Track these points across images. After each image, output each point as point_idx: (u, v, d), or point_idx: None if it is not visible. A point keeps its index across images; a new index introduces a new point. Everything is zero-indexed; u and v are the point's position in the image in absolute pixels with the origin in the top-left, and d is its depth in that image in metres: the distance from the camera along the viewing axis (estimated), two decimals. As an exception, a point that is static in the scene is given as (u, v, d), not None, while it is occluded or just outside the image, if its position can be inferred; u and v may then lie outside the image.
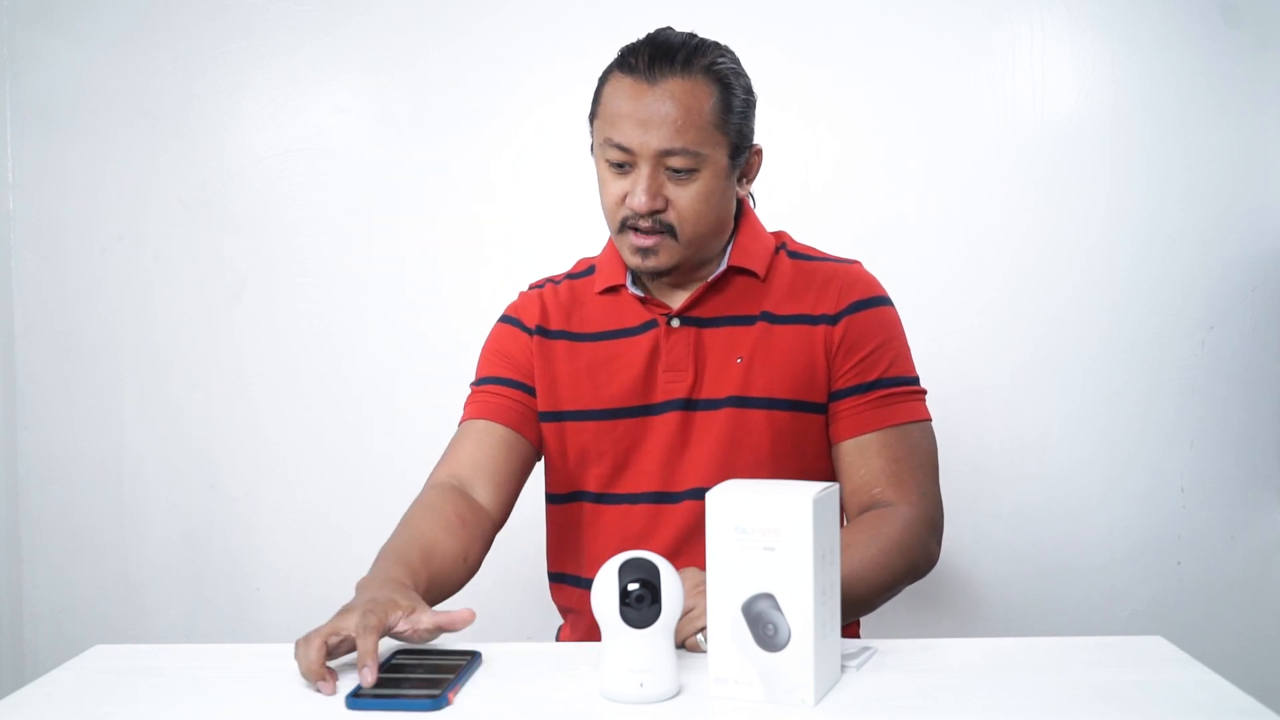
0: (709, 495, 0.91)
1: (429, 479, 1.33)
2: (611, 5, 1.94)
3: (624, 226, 1.24)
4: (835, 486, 0.94)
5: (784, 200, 1.94)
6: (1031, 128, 1.94)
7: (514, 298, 1.42)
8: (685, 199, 1.22)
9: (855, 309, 1.28)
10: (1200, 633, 1.91)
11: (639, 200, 1.20)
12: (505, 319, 1.39)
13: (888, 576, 1.17)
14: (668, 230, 1.22)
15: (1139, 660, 0.99)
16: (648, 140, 1.19)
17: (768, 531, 0.89)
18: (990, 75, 1.94)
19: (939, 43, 1.94)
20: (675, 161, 1.20)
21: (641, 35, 1.26)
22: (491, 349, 1.38)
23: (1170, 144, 1.92)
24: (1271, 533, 1.95)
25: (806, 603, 0.88)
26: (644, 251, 1.23)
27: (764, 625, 0.90)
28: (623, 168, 1.22)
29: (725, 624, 0.91)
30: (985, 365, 1.95)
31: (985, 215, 1.95)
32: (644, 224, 1.22)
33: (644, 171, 1.20)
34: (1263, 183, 1.92)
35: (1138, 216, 1.93)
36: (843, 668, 0.97)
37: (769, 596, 0.89)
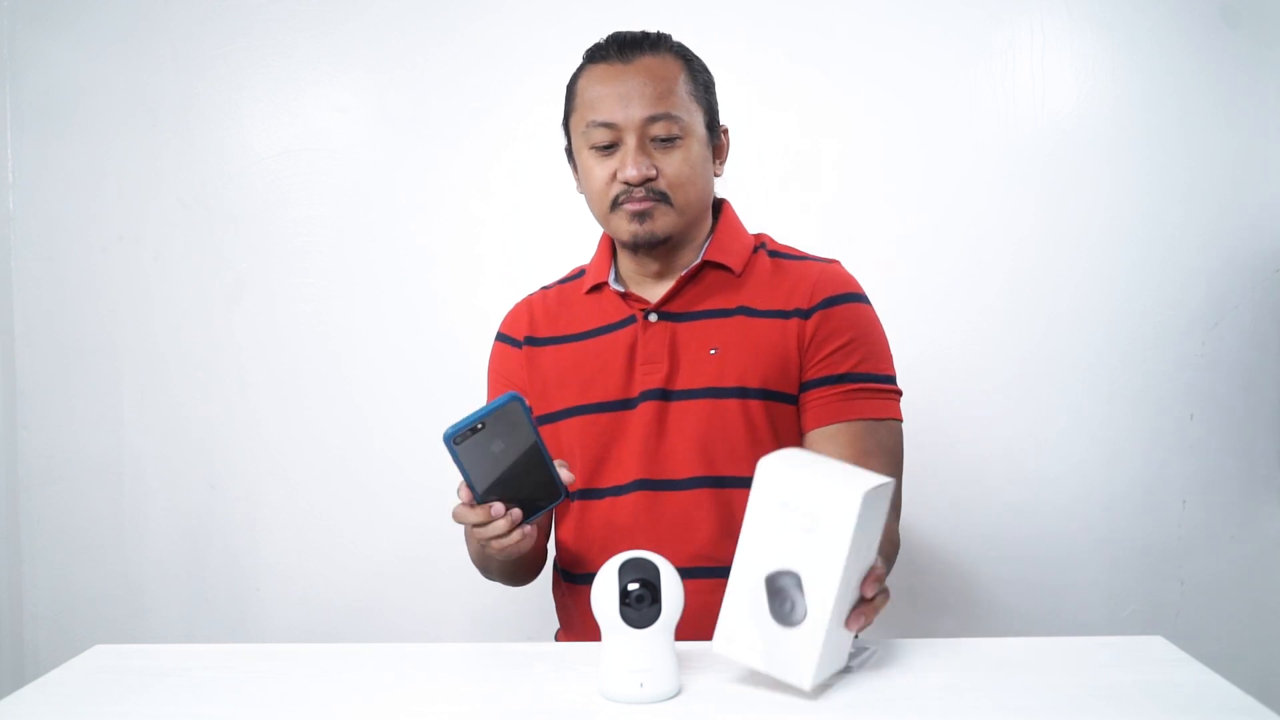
0: (762, 461, 0.91)
1: None
2: (612, 5, 1.93)
3: (615, 204, 1.27)
4: (890, 482, 0.93)
5: (783, 200, 1.95)
6: (1031, 128, 1.94)
7: (512, 299, 1.44)
8: (673, 165, 1.26)
9: (829, 304, 1.29)
10: (1200, 633, 1.91)
11: (629, 171, 1.24)
12: (499, 337, 1.42)
13: (888, 554, 1.20)
14: (661, 198, 1.26)
15: (1139, 660, 0.99)
16: (631, 112, 1.24)
17: (810, 515, 0.89)
18: (990, 75, 1.94)
19: (939, 43, 1.94)
20: (659, 129, 1.25)
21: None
22: (494, 371, 1.42)
23: (1170, 144, 1.92)
24: (1271, 533, 1.95)
25: (830, 592, 0.88)
26: (640, 215, 1.26)
27: (783, 600, 0.90)
28: (607, 149, 1.26)
29: (746, 589, 0.92)
30: (985, 365, 1.95)
31: (985, 215, 1.95)
32: (636, 195, 1.25)
33: (630, 144, 1.25)
34: (1263, 183, 1.92)
35: (1138, 216, 1.93)
36: (847, 668, 0.97)
37: (794, 575, 0.89)
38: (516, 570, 1.33)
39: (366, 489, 2.04)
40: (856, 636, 1.00)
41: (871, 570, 0.95)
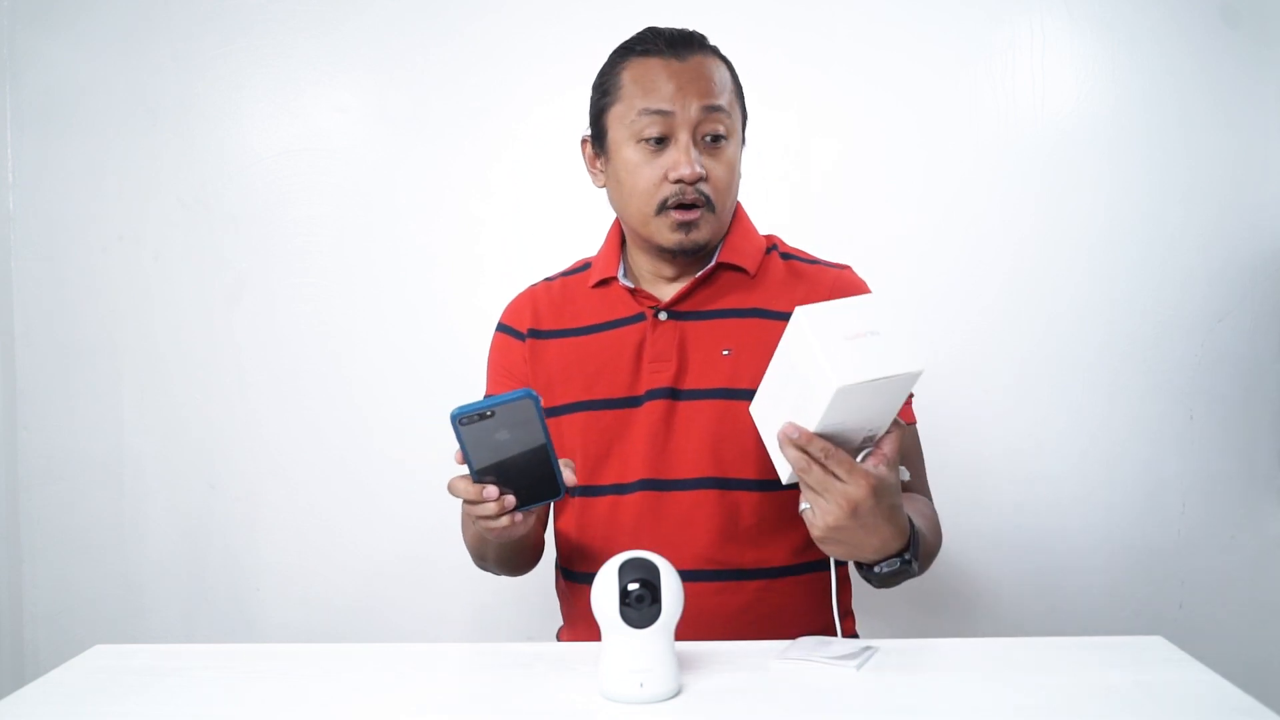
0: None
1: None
2: (611, 5, 1.93)
3: (663, 207, 1.24)
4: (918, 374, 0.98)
5: (783, 200, 1.95)
6: (1031, 128, 1.94)
7: (510, 299, 1.43)
8: (719, 169, 1.25)
9: None
10: (1200, 633, 1.91)
11: (684, 169, 1.22)
12: (501, 327, 1.41)
13: (938, 545, 1.24)
14: (706, 201, 1.25)
15: (1139, 660, 0.99)
16: (688, 104, 1.23)
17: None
18: (990, 75, 1.94)
19: (939, 43, 1.95)
20: (712, 124, 1.24)
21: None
22: (495, 363, 1.41)
23: (1170, 144, 1.92)
24: (1271, 533, 1.95)
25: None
26: (688, 226, 1.25)
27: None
28: (659, 143, 1.24)
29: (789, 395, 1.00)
30: (986, 365, 1.95)
31: (985, 215, 1.95)
32: (689, 195, 1.23)
33: (684, 141, 1.23)
34: (1263, 182, 1.92)
35: (1138, 216, 1.93)
36: (846, 666, 0.97)
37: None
38: (513, 558, 1.32)
39: (366, 489, 2.04)
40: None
41: (865, 463, 1.00)
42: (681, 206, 1.24)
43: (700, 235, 1.25)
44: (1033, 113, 1.94)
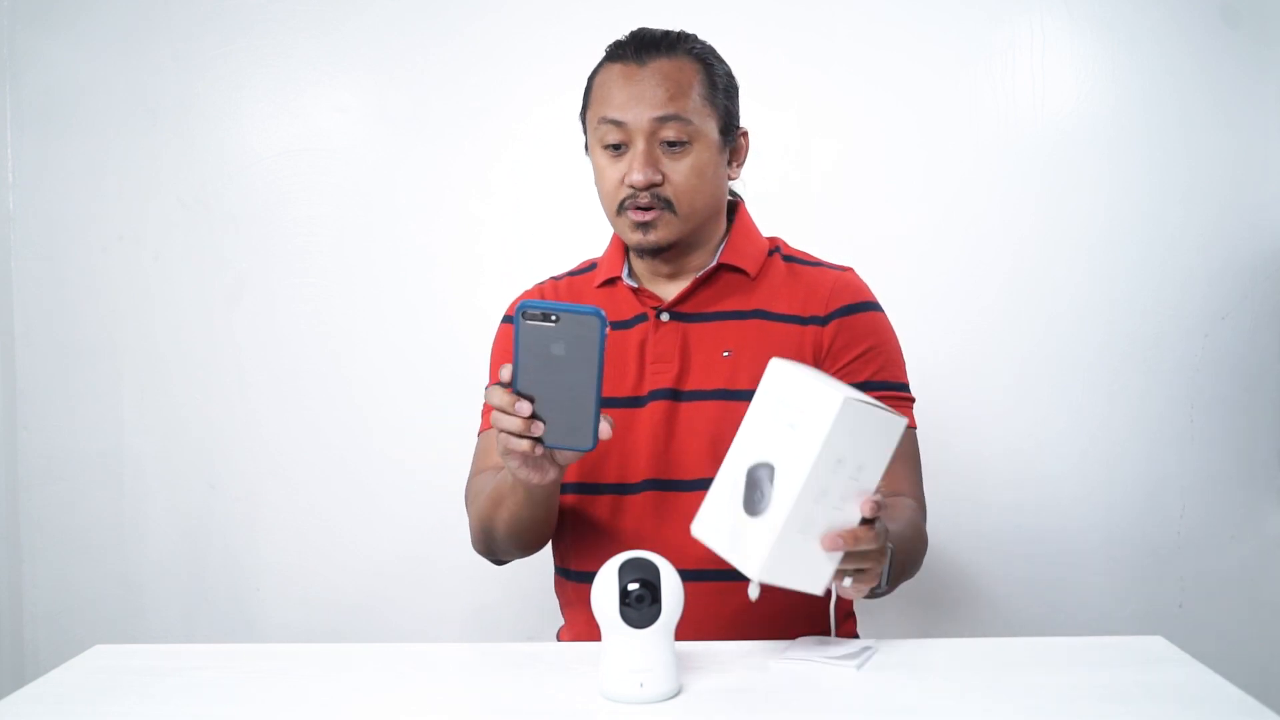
0: (773, 360, 0.96)
1: (470, 482, 1.36)
2: (611, 5, 1.93)
3: (622, 207, 1.27)
4: (896, 421, 0.94)
5: (783, 200, 1.95)
6: (1031, 128, 1.94)
7: (513, 298, 1.44)
8: (680, 173, 1.25)
9: (845, 312, 1.30)
10: (1200, 633, 1.91)
11: (635, 176, 1.24)
12: (506, 319, 1.42)
13: (920, 548, 1.23)
14: (666, 205, 1.26)
15: (1139, 660, 1.00)
16: (641, 112, 1.24)
17: (796, 410, 0.92)
18: (990, 75, 1.94)
19: (939, 43, 1.95)
20: (669, 132, 1.24)
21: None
22: (498, 353, 1.41)
23: (1170, 144, 1.92)
24: (1271, 533, 1.95)
25: (794, 486, 0.90)
26: (644, 226, 1.26)
27: (754, 490, 0.93)
28: (618, 149, 1.26)
29: (730, 478, 0.95)
30: (986, 365, 1.95)
31: (985, 215, 1.95)
32: (643, 199, 1.25)
33: (639, 147, 1.25)
34: (1263, 182, 1.92)
35: (1138, 216, 1.93)
36: (846, 666, 0.97)
37: (770, 467, 0.92)
38: (526, 524, 1.24)
39: (366, 489, 2.04)
40: (855, 587, 1.00)
41: (871, 498, 0.96)
42: (638, 207, 1.26)
43: (658, 235, 1.27)
44: (1033, 113, 1.94)
